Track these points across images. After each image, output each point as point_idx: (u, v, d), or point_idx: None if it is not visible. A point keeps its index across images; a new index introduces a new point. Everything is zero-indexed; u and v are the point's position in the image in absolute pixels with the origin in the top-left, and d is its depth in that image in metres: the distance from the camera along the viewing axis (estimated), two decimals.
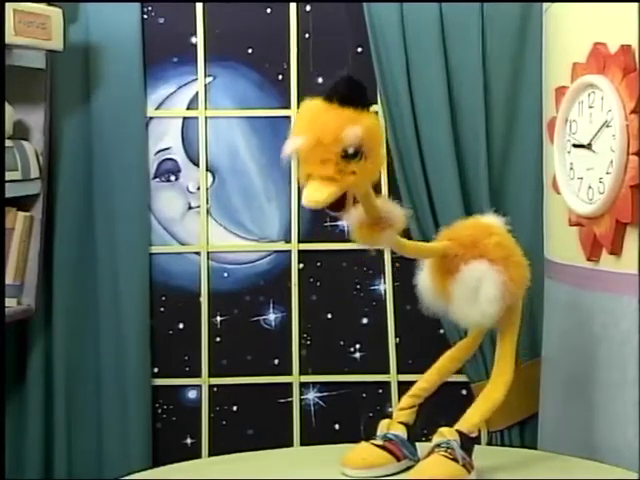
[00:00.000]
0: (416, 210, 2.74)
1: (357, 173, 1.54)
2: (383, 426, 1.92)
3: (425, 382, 1.97)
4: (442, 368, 1.98)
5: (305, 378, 2.89)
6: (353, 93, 1.55)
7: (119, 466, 2.77)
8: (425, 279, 1.89)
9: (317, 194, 1.54)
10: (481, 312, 1.78)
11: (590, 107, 2.10)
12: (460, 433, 1.81)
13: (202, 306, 2.89)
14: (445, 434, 1.81)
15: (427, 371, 1.99)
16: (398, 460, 1.88)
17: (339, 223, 2.87)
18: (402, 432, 1.90)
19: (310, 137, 1.53)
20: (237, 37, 2.88)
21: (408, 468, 1.88)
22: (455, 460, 1.78)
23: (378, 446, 1.89)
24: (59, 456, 2.85)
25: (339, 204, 1.56)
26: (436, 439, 1.82)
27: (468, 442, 1.81)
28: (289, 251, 2.89)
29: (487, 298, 1.77)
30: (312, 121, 1.55)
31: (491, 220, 1.95)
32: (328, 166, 1.53)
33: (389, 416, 1.98)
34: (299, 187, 2.98)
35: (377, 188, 1.69)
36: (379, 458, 1.87)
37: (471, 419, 1.86)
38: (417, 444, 1.94)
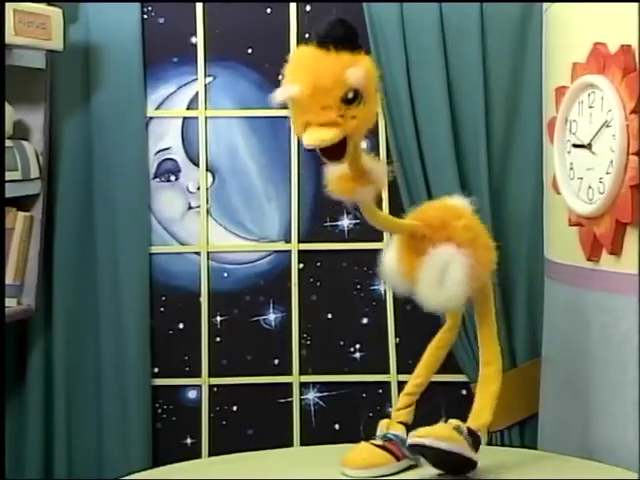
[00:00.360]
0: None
1: (358, 117, 1.52)
2: (382, 426, 1.92)
3: (417, 378, 1.98)
4: (430, 360, 1.98)
5: (305, 378, 2.89)
6: (348, 36, 1.53)
7: (119, 466, 2.77)
8: (391, 259, 1.87)
9: (319, 134, 1.50)
10: (447, 295, 1.76)
11: (590, 107, 2.10)
12: (469, 429, 1.81)
13: (202, 306, 2.89)
14: (453, 422, 1.81)
15: (416, 367, 1.98)
16: (398, 460, 1.89)
17: (339, 223, 2.87)
18: (402, 432, 1.91)
19: (307, 84, 1.50)
20: (237, 37, 2.88)
21: (408, 468, 1.88)
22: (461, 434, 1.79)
23: (378, 446, 1.89)
24: (59, 456, 2.84)
25: (339, 151, 1.53)
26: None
27: (476, 439, 1.82)
28: (289, 251, 2.89)
29: (453, 281, 1.75)
30: (308, 67, 1.52)
31: (459, 202, 1.93)
32: (329, 111, 1.50)
33: (389, 416, 1.99)
34: (299, 187, 3.00)
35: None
36: (379, 458, 1.88)
37: (480, 417, 1.86)
38: None
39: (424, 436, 1.78)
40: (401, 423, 1.92)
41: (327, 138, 1.50)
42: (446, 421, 1.86)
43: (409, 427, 1.93)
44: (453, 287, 1.75)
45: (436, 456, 1.79)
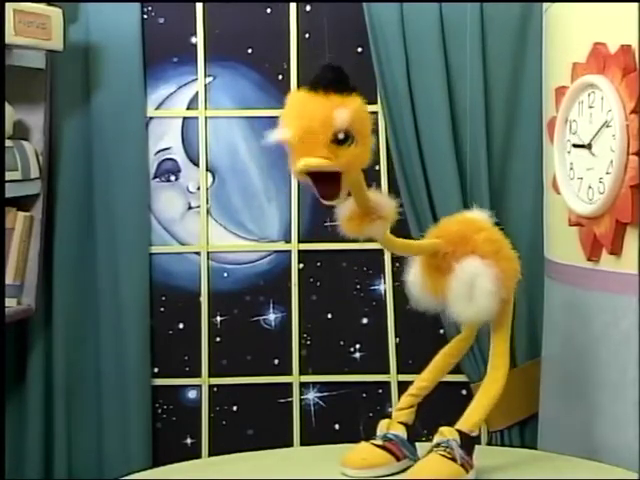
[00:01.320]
0: (416, 210, 2.74)
1: (349, 158, 1.55)
2: (383, 426, 1.92)
3: (423, 381, 1.98)
4: (439, 366, 1.99)
5: (305, 378, 2.89)
6: (337, 79, 1.55)
7: (119, 466, 2.77)
8: (415, 276, 1.90)
9: (310, 160, 1.52)
10: (478, 308, 1.79)
11: (590, 107, 2.10)
12: (460, 432, 1.81)
13: (202, 306, 2.89)
14: (445, 434, 1.81)
15: (424, 369, 1.99)
16: (398, 460, 1.89)
17: (339, 223, 2.87)
18: (402, 432, 1.91)
19: (298, 127, 1.53)
20: (237, 37, 2.88)
21: (408, 468, 1.88)
22: (454, 460, 1.78)
23: (378, 446, 1.89)
24: (59, 456, 2.84)
25: (333, 189, 1.56)
26: (436, 439, 1.82)
27: (468, 441, 1.82)
28: (289, 251, 2.89)
29: (483, 293, 1.79)
30: (299, 111, 1.55)
31: (478, 215, 1.96)
32: (320, 151, 1.52)
33: (389, 416, 1.98)
34: (299, 187, 3.00)
35: (371, 183, 1.68)
36: (379, 458, 1.88)
37: (471, 418, 1.86)
38: (417, 444, 1.94)
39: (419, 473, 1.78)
40: (401, 423, 1.92)
41: (319, 164, 1.52)
42: (445, 424, 1.86)
43: (410, 427, 1.93)
44: (483, 299, 1.79)
45: None
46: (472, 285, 1.79)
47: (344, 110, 1.53)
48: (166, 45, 2.89)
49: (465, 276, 1.79)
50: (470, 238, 1.84)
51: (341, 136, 1.53)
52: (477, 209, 1.99)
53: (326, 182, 1.56)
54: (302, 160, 1.53)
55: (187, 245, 2.92)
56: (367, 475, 1.87)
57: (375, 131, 2.82)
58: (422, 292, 1.89)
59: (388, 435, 1.90)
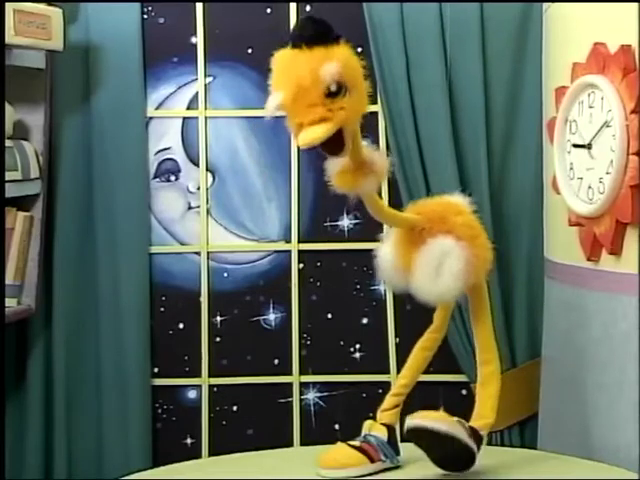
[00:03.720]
0: None
1: (346, 108, 1.53)
2: (365, 427, 1.92)
3: (404, 378, 1.97)
4: (417, 360, 1.97)
5: (305, 378, 2.89)
6: (317, 31, 1.53)
7: (119, 466, 2.77)
8: (388, 252, 1.88)
9: (311, 134, 1.51)
10: (443, 286, 1.75)
11: (590, 107, 2.10)
12: (472, 428, 1.81)
13: (202, 306, 2.89)
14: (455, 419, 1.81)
15: (404, 367, 1.98)
16: (372, 462, 1.88)
17: (339, 223, 2.88)
18: (382, 434, 1.90)
19: (288, 88, 1.52)
20: (237, 37, 2.88)
21: (383, 470, 1.88)
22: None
23: (354, 447, 1.89)
24: (59, 456, 2.84)
25: (338, 145, 1.55)
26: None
27: (478, 437, 1.82)
28: (289, 251, 2.89)
29: (451, 272, 1.75)
30: (286, 72, 1.54)
31: (459, 199, 1.94)
32: (316, 109, 1.51)
33: None
34: (299, 187, 3.00)
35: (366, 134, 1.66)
36: (351, 459, 1.88)
37: (483, 418, 1.86)
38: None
39: (422, 418, 1.76)
40: (384, 425, 1.92)
41: (319, 136, 1.51)
42: None
43: (392, 429, 1.92)
44: (450, 278, 1.75)
45: (433, 440, 1.75)
46: (441, 263, 1.75)
47: (332, 64, 1.51)
48: (166, 45, 2.89)
49: (436, 252, 1.76)
50: (448, 219, 1.82)
51: (334, 88, 1.52)
52: (457, 194, 1.97)
53: (329, 141, 1.53)
54: (301, 136, 1.51)
55: (187, 245, 2.92)
56: (337, 475, 1.86)
57: (375, 131, 2.86)
58: (392, 267, 1.86)
59: (367, 436, 1.90)
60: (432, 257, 1.76)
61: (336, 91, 1.52)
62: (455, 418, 1.80)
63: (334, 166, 1.67)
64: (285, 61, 1.56)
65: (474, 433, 1.81)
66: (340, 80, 1.52)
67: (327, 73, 1.50)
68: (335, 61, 1.52)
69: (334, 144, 1.54)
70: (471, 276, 1.78)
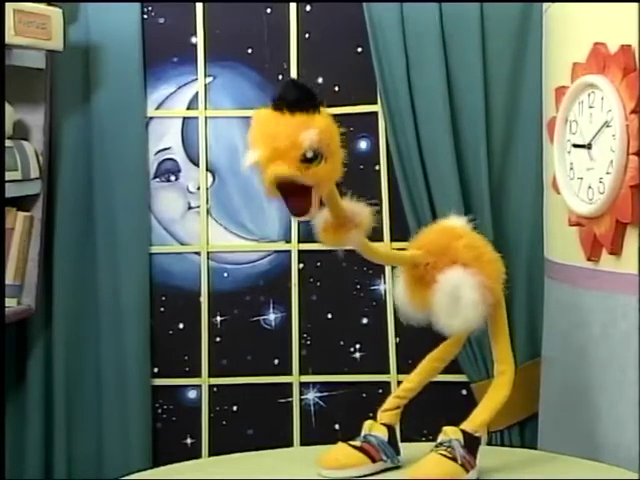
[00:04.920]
0: (416, 210, 2.74)
1: (319, 174, 1.53)
2: (366, 427, 1.92)
3: (410, 382, 1.97)
4: (427, 368, 1.97)
5: (305, 378, 2.89)
6: (300, 97, 1.52)
7: (119, 466, 2.77)
8: (401, 292, 1.88)
9: (280, 168, 1.50)
10: (465, 319, 1.76)
11: (590, 107, 2.10)
12: (464, 432, 1.81)
13: (202, 306, 2.89)
14: (449, 433, 1.81)
15: (412, 371, 1.98)
16: (373, 462, 1.88)
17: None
18: (383, 434, 1.90)
19: (266, 148, 1.51)
20: (237, 37, 2.88)
21: (384, 470, 1.88)
22: (454, 459, 1.78)
23: (355, 447, 1.89)
24: (59, 456, 2.84)
25: (303, 206, 1.54)
26: (440, 438, 1.82)
27: (472, 442, 1.81)
28: (289, 251, 2.89)
29: (468, 304, 1.75)
30: (265, 132, 1.53)
31: (456, 222, 1.93)
32: (290, 166, 1.51)
33: None
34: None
35: (341, 190, 1.66)
36: (352, 459, 1.87)
37: (476, 419, 1.86)
38: (418, 444, 1.94)
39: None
40: (385, 425, 1.92)
41: (286, 172, 1.49)
42: (446, 423, 1.86)
43: (393, 429, 1.92)
44: (469, 309, 1.76)
45: None
46: (456, 296, 1.76)
47: (311, 131, 1.50)
48: (166, 45, 2.89)
49: (448, 288, 1.76)
50: (449, 247, 1.82)
51: (310, 155, 1.51)
52: (454, 216, 1.96)
53: (296, 197, 1.53)
54: (272, 168, 1.50)
55: (187, 245, 2.92)
56: (338, 475, 1.86)
57: (375, 131, 2.85)
58: (409, 305, 1.87)
59: (368, 436, 1.90)
60: (445, 294, 1.77)
61: (312, 158, 1.52)
62: (447, 435, 1.81)
63: (318, 224, 1.68)
64: (265, 121, 1.54)
65: (469, 439, 1.81)
66: (317, 147, 1.51)
67: (306, 139, 1.50)
68: (314, 128, 1.51)
69: (301, 202, 1.53)
70: (489, 297, 1.79)
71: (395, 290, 1.91)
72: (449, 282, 1.77)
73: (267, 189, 1.54)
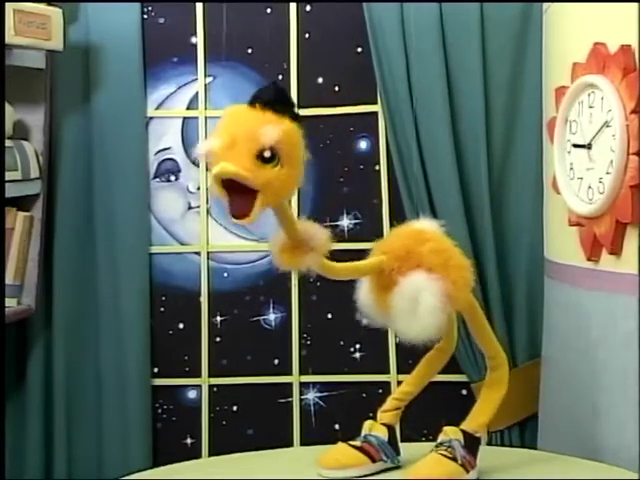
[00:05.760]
0: (416, 210, 2.74)
1: (271, 178, 1.47)
2: (365, 427, 1.92)
3: (408, 385, 1.96)
4: (424, 371, 1.96)
5: (305, 378, 2.89)
6: (276, 98, 1.49)
7: (119, 466, 2.77)
8: (365, 296, 1.83)
9: (227, 166, 1.44)
10: (422, 324, 1.69)
11: (590, 107, 2.10)
12: (464, 432, 1.81)
13: (202, 306, 2.89)
14: (449, 433, 1.81)
15: (410, 374, 1.97)
16: (373, 462, 1.88)
17: (339, 223, 2.87)
18: (383, 434, 1.89)
19: (226, 137, 1.46)
20: (237, 37, 2.88)
21: (384, 470, 1.88)
22: (454, 459, 1.78)
23: (355, 447, 1.88)
24: (59, 456, 2.84)
25: (244, 209, 1.48)
26: (440, 438, 1.82)
27: (472, 442, 1.81)
28: None
29: (427, 309, 1.68)
30: (230, 123, 1.50)
31: (424, 225, 1.86)
32: (241, 161, 1.45)
33: None
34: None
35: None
36: (353, 459, 1.87)
37: (476, 419, 1.86)
38: (418, 444, 1.94)
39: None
40: (385, 425, 1.92)
41: (233, 170, 1.43)
42: (446, 423, 1.86)
43: (393, 429, 1.92)
44: (427, 316, 1.68)
45: None
46: (416, 301, 1.69)
47: (273, 127, 1.46)
48: (166, 45, 2.89)
49: (408, 291, 1.69)
50: (414, 251, 1.74)
51: (267, 154, 1.46)
52: (425, 218, 1.91)
53: (240, 199, 1.47)
54: (220, 164, 1.44)
55: (187, 245, 2.92)
56: (338, 476, 1.86)
57: (375, 131, 2.85)
58: (373, 310, 1.83)
59: (368, 436, 1.90)
60: (405, 297, 1.70)
61: (268, 158, 1.46)
62: (447, 435, 1.80)
63: (274, 246, 1.65)
64: (233, 114, 1.51)
65: (469, 439, 1.81)
66: (275, 148, 1.46)
67: (265, 134, 1.45)
68: (277, 127, 1.46)
69: (243, 205, 1.47)
70: (449, 305, 1.71)
71: (359, 292, 1.85)
72: (409, 285, 1.70)
73: (212, 181, 1.49)
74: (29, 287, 2.73)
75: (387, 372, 2.86)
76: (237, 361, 2.90)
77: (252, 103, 1.49)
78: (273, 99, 1.49)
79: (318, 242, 1.63)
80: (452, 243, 1.81)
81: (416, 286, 1.70)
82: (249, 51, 2.88)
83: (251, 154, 1.45)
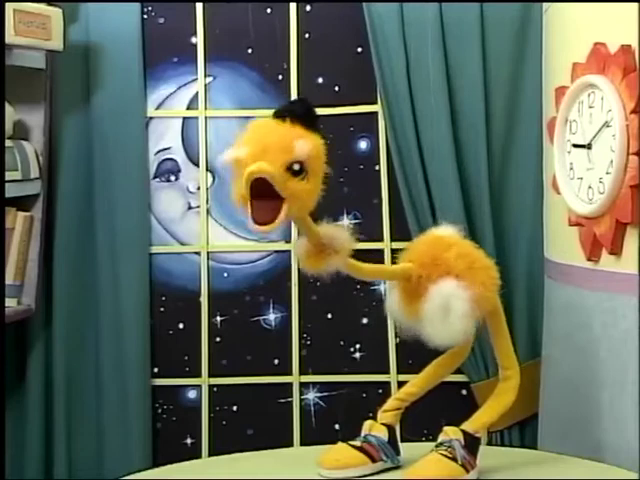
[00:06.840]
0: (416, 210, 2.74)
1: (298, 190, 1.51)
2: (365, 427, 1.92)
3: (413, 386, 1.96)
4: (431, 374, 1.96)
5: (305, 378, 2.89)
6: (306, 113, 1.53)
7: (119, 466, 2.77)
8: (394, 304, 1.86)
9: (262, 165, 1.46)
10: (453, 330, 1.73)
11: (590, 107, 2.10)
12: (465, 433, 1.81)
13: (202, 306, 2.89)
14: (449, 433, 1.81)
15: (417, 375, 1.97)
16: (374, 461, 1.88)
17: (339, 223, 2.87)
18: (383, 434, 1.89)
19: (255, 146, 1.49)
20: (237, 37, 2.88)
21: (384, 470, 1.88)
22: (454, 459, 1.78)
23: (355, 447, 1.88)
24: (59, 456, 2.85)
25: (270, 217, 1.50)
26: (440, 438, 1.82)
27: (473, 442, 1.81)
28: (289, 251, 2.88)
29: (457, 316, 1.72)
30: (260, 133, 1.52)
31: (446, 231, 1.91)
32: (273, 167, 1.47)
33: None
34: None
35: (314, 215, 1.64)
36: (353, 459, 1.87)
37: (478, 420, 1.86)
38: (418, 444, 1.94)
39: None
40: (385, 425, 1.92)
41: (268, 170, 1.46)
42: (446, 423, 1.86)
43: (393, 430, 1.92)
44: (458, 322, 1.73)
45: None
46: (447, 308, 1.73)
47: (306, 142, 1.50)
48: (166, 45, 2.89)
49: (439, 298, 1.74)
50: (441, 257, 1.79)
51: (296, 167, 1.50)
52: (444, 225, 1.93)
53: (265, 205, 1.50)
54: (257, 163, 1.47)
55: (187, 245, 2.92)
56: (339, 476, 1.86)
57: (375, 131, 2.85)
58: (403, 316, 1.85)
59: (368, 436, 1.90)
60: (435, 305, 1.74)
61: (297, 171, 1.50)
62: (447, 435, 1.80)
63: (299, 254, 1.68)
64: (262, 126, 1.54)
65: (469, 439, 1.81)
66: (305, 161, 1.50)
67: (298, 147, 1.49)
68: (309, 142, 1.51)
69: (268, 212, 1.50)
70: (481, 308, 1.76)
71: (388, 301, 1.89)
72: (440, 293, 1.74)
73: (238, 190, 1.52)
74: (29, 287, 2.73)
75: (387, 372, 2.86)
76: (237, 361, 2.90)
77: (282, 116, 1.52)
78: (304, 113, 1.53)
79: (340, 243, 1.66)
80: (474, 246, 1.87)
81: (446, 293, 1.74)
82: (249, 51, 2.88)
83: (282, 165, 1.49)
